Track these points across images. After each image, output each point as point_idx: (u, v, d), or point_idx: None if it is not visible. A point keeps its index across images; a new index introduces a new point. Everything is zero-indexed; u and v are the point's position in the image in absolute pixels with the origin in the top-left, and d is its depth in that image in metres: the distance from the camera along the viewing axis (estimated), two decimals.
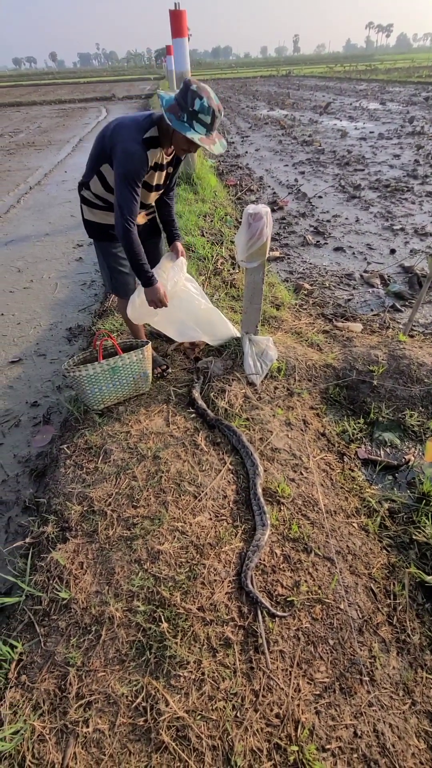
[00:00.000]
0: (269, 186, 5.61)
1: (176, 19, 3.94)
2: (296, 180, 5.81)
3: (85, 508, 1.42)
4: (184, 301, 1.96)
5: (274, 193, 5.31)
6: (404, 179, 5.51)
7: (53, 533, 1.37)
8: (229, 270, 3.10)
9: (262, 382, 1.98)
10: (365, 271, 3.32)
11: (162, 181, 1.68)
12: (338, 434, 1.87)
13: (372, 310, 2.82)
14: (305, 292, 2.98)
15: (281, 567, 1.28)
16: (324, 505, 1.50)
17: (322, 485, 1.59)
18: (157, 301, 1.66)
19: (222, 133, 9.31)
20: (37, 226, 4.69)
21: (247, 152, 7.62)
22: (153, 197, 1.70)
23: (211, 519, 1.39)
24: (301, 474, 1.60)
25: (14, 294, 3.27)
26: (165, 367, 2.02)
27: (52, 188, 6.08)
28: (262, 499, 1.43)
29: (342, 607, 1.21)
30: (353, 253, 3.65)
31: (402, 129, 8.81)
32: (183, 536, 1.32)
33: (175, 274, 1.86)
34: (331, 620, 1.18)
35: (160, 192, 1.74)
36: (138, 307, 1.77)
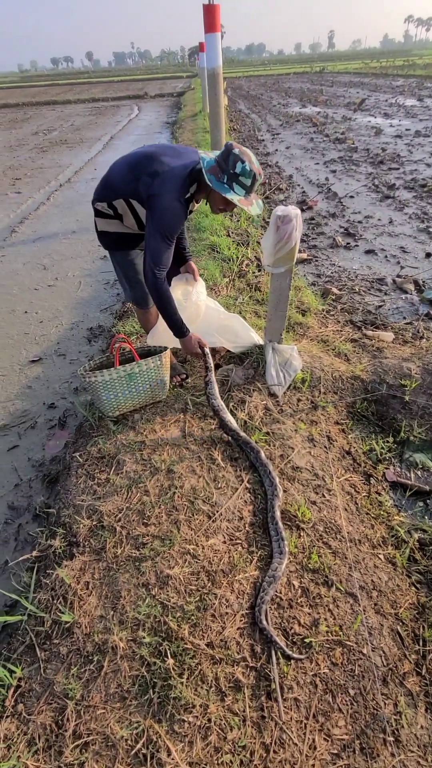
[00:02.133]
0: (299, 185, 5.45)
1: (209, 13, 3.86)
2: (327, 179, 5.62)
3: (94, 523, 1.36)
4: (205, 315, 1.92)
5: (304, 192, 5.15)
6: None
7: (60, 548, 1.32)
8: (254, 272, 2.99)
9: (284, 393, 1.88)
10: (398, 276, 3.14)
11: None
12: (365, 453, 1.75)
13: (404, 318, 2.65)
14: (333, 297, 2.84)
15: (299, 602, 1.18)
16: (348, 532, 1.39)
17: (345, 510, 1.47)
18: (191, 352, 1.70)
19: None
20: (65, 223, 4.71)
21: (277, 150, 7.45)
22: None
23: (225, 542, 1.30)
24: (324, 496, 1.49)
25: (39, 292, 3.27)
26: (185, 376, 1.95)
27: (81, 186, 6.12)
28: (280, 524, 1.33)
29: (365, 651, 1.10)
30: (385, 257, 3.48)
31: None
32: (194, 560, 1.24)
33: (196, 296, 1.84)
34: (352, 666, 1.07)
35: None
36: (161, 333, 1.76)
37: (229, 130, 8.95)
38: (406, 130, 8.36)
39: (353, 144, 7.41)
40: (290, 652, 1.06)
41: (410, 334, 2.43)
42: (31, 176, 6.72)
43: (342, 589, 1.22)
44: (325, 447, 1.70)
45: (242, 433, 1.58)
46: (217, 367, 2.04)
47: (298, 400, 1.87)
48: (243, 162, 1.36)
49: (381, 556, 1.36)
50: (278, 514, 1.36)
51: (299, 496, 1.46)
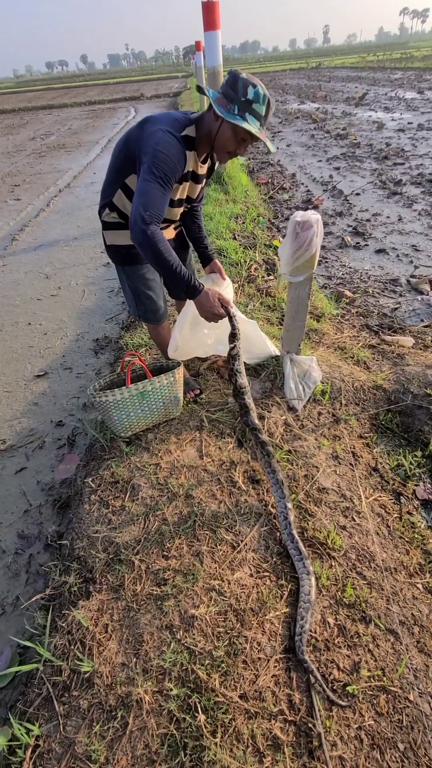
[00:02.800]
0: (302, 183, 5.34)
1: (209, 11, 3.75)
2: (331, 176, 5.51)
3: (110, 556, 1.28)
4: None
5: (308, 190, 5.05)
6: None
7: (76, 584, 1.23)
8: (263, 277, 2.90)
9: (304, 407, 1.78)
10: (412, 276, 3.04)
11: (195, 195, 1.51)
12: (392, 469, 1.65)
13: (422, 321, 2.55)
14: (347, 301, 2.74)
15: (336, 642, 1.08)
16: (382, 560, 1.29)
17: (377, 534, 1.38)
18: (211, 313, 1.31)
19: None
20: (66, 229, 4.63)
21: (278, 148, 7.34)
22: (178, 212, 1.48)
23: (252, 575, 1.21)
24: (353, 520, 1.40)
25: (42, 302, 3.19)
26: (198, 391, 1.85)
27: (81, 190, 6.04)
28: (300, 542, 1.23)
29: (411, 698, 1.01)
30: (397, 256, 3.37)
31: None
32: (220, 598, 1.15)
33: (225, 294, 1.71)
34: (399, 716, 0.98)
35: (187, 206, 1.54)
36: (181, 346, 1.63)
37: None
38: (408, 123, 8.22)
39: (355, 140, 7.29)
40: (333, 696, 0.97)
41: (430, 338, 2.33)
42: (30, 182, 6.65)
43: (381, 625, 1.13)
44: (351, 464, 1.60)
45: (263, 435, 1.41)
46: None
47: (319, 413, 1.77)
48: (255, 86, 1.15)
49: (419, 586, 1.26)
50: (295, 530, 1.26)
51: (327, 521, 1.37)
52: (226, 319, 1.37)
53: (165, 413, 1.70)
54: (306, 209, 4.48)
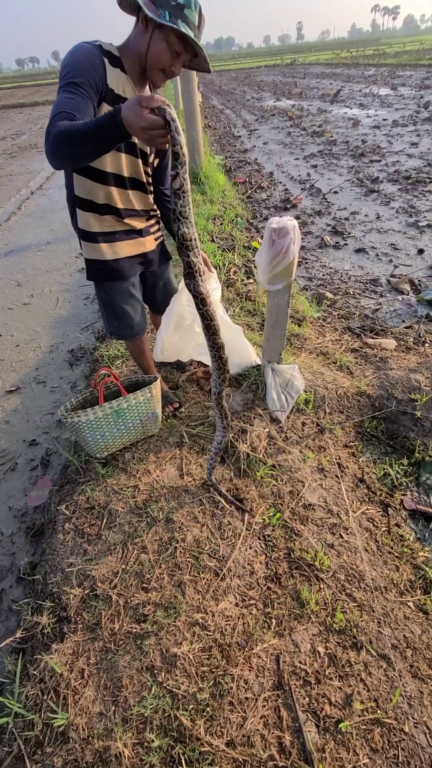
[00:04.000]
0: (280, 182, 5.30)
1: None
2: (309, 174, 5.49)
3: (86, 591, 1.19)
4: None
5: (286, 189, 5.01)
6: (425, 169, 5.15)
7: (49, 625, 1.15)
8: (242, 280, 2.84)
9: (288, 417, 1.73)
10: (392, 276, 3.02)
11: (150, 157, 1.31)
12: (379, 479, 1.61)
13: (404, 321, 2.53)
14: (328, 303, 2.70)
15: (327, 674, 1.03)
16: (372, 579, 1.25)
17: (366, 550, 1.33)
18: (143, 128, 0.82)
19: (229, 125, 8.98)
20: (39, 233, 4.48)
21: (255, 146, 7.30)
22: (134, 165, 1.25)
23: (237, 605, 1.15)
24: (341, 537, 1.35)
25: (13, 311, 3.06)
26: (178, 405, 1.78)
27: (54, 192, 5.87)
28: (228, 415, 1.34)
29: (406, 729, 0.96)
30: (377, 255, 3.35)
31: (417, 115, 8.38)
32: (204, 633, 1.08)
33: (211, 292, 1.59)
34: (395, 750, 0.93)
35: (148, 170, 1.32)
36: (167, 348, 1.53)
37: (203, 127, 8.75)
38: (383, 120, 8.29)
39: (332, 137, 7.30)
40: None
41: (412, 340, 2.31)
42: (1, 184, 6.43)
43: (373, 651, 1.08)
44: (337, 476, 1.55)
45: (208, 306, 1.09)
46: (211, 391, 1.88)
47: (303, 423, 1.72)
48: None
49: (410, 604, 1.22)
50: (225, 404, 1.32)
51: (315, 540, 1.31)
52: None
53: (143, 431, 1.62)
54: (285, 209, 4.43)
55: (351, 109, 9.98)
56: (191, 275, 1.02)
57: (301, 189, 4.97)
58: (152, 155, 1.33)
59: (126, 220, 1.34)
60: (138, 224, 1.38)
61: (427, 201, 4.24)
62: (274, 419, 1.71)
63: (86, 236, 1.32)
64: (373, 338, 2.31)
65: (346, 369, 2.04)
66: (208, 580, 1.20)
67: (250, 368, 1.87)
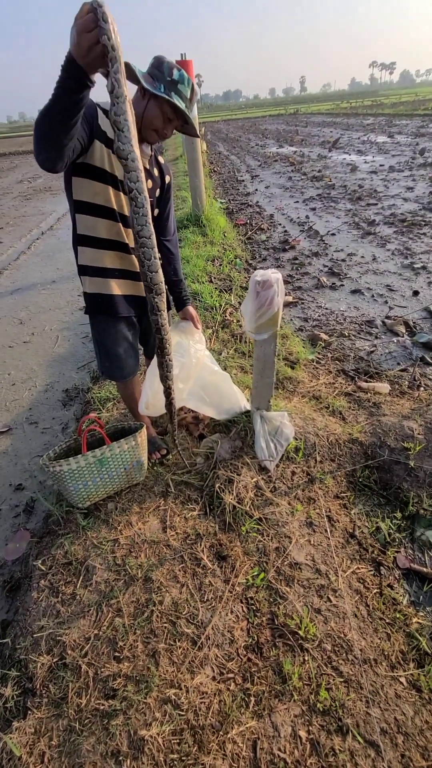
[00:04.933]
0: (280, 224, 5.48)
1: (184, 68, 3.94)
2: (307, 217, 5.68)
3: (55, 660, 1.13)
4: (190, 362, 1.68)
5: (286, 231, 5.17)
6: (420, 213, 5.31)
7: (13, 698, 1.07)
8: (238, 321, 2.87)
9: (277, 466, 1.69)
10: (387, 317, 3.04)
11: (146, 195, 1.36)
12: (371, 534, 1.54)
13: (399, 364, 2.52)
14: (323, 344, 2.71)
15: (308, 764, 0.94)
16: (360, 649, 1.16)
17: (356, 616, 1.25)
18: (81, 33, 0.78)
19: (233, 174, 9.44)
20: (45, 272, 4.63)
21: (257, 190, 7.63)
22: (119, 198, 1.29)
23: (214, 678, 1.07)
24: (329, 600, 1.28)
25: (13, 349, 3.11)
26: (165, 452, 1.75)
27: (63, 232, 6.12)
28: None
29: None
30: (372, 296, 3.40)
31: (413, 161, 8.75)
32: (176, 712, 1.00)
33: (194, 350, 1.62)
34: None
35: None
36: (153, 402, 1.53)
37: (209, 172, 9.21)
38: (380, 165, 8.65)
39: (330, 181, 7.61)
40: None
41: (407, 384, 2.28)
42: (14, 225, 6.73)
43: (360, 737, 0.99)
44: (326, 531, 1.49)
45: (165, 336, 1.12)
46: (201, 437, 1.85)
47: (293, 473, 1.68)
48: (179, 69, 1.17)
49: (402, 680, 1.13)
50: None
51: (300, 605, 1.24)
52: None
53: (127, 479, 1.59)
54: (284, 249, 4.56)
55: (349, 155, 10.47)
56: (131, 191, 0.89)
57: (300, 231, 5.13)
58: (153, 207, 1.40)
59: (125, 259, 1.38)
60: (135, 267, 1.41)
61: (422, 243, 4.33)
62: (263, 468, 1.67)
63: (84, 271, 1.37)
64: (367, 382, 2.30)
65: (339, 414, 2.01)
66: (184, 649, 1.12)
67: (239, 414, 1.85)
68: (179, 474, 1.67)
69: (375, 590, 1.35)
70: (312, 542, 1.44)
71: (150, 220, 0.93)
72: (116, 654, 1.12)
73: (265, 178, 8.67)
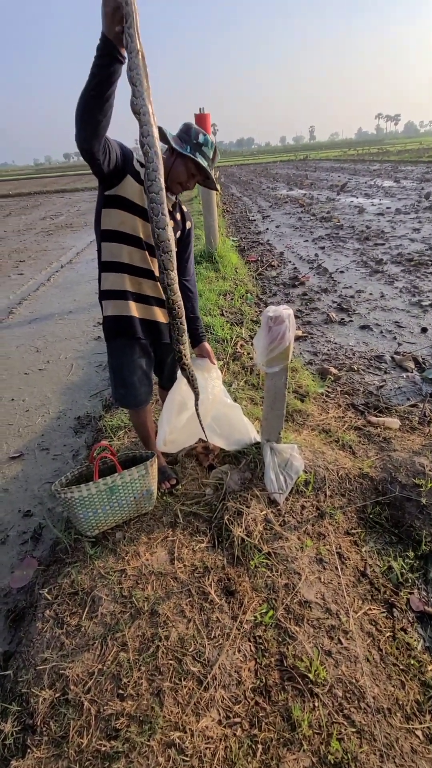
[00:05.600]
0: (290, 261, 5.67)
1: (201, 121, 4.24)
2: (316, 255, 5.87)
3: (57, 695, 1.10)
4: (207, 398, 1.71)
5: (295, 268, 5.34)
6: (427, 253, 5.46)
7: (12, 734, 1.04)
8: (249, 354, 2.93)
9: (286, 499, 1.68)
10: (396, 353, 3.08)
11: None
12: (383, 573, 1.50)
13: (408, 399, 2.53)
14: (332, 378, 2.74)
15: None
16: (373, 697, 1.11)
17: (368, 660, 1.21)
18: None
19: (245, 213, 9.87)
20: (63, 303, 4.80)
21: (267, 229, 7.94)
22: (144, 228, 1.40)
23: (220, 722, 1.03)
24: (340, 642, 1.23)
25: (29, 376, 3.19)
26: (175, 482, 1.76)
27: (81, 266, 6.39)
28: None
29: None
30: (381, 332, 3.45)
31: (419, 204, 9.08)
32: (180, 757, 0.96)
33: (212, 387, 1.67)
34: None
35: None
36: (171, 438, 1.60)
37: (222, 212, 9.65)
38: (387, 208, 8.99)
39: (339, 222, 7.91)
40: None
41: (417, 419, 2.28)
42: (35, 258, 7.06)
43: None
44: (337, 568, 1.46)
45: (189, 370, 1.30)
46: (210, 468, 1.86)
47: (302, 507, 1.66)
48: (204, 134, 1.36)
49: (418, 733, 1.07)
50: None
51: (310, 645, 1.20)
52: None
53: (136, 508, 1.59)
54: (293, 285, 4.69)
55: (357, 198, 10.91)
56: (143, 145, 0.98)
57: (309, 268, 5.29)
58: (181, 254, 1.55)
59: (143, 284, 1.46)
60: (153, 293, 1.49)
61: (429, 282, 4.43)
62: (272, 501, 1.66)
63: (105, 296, 1.46)
64: (376, 416, 2.30)
65: (349, 448, 2.01)
66: (190, 689, 1.09)
67: (249, 446, 1.86)
68: (188, 504, 1.67)
69: (388, 633, 1.30)
70: (322, 580, 1.41)
71: (161, 173, 1.00)
72: (120, 691, 1.09)
73: (276, 218, 9.04)
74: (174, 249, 1.06)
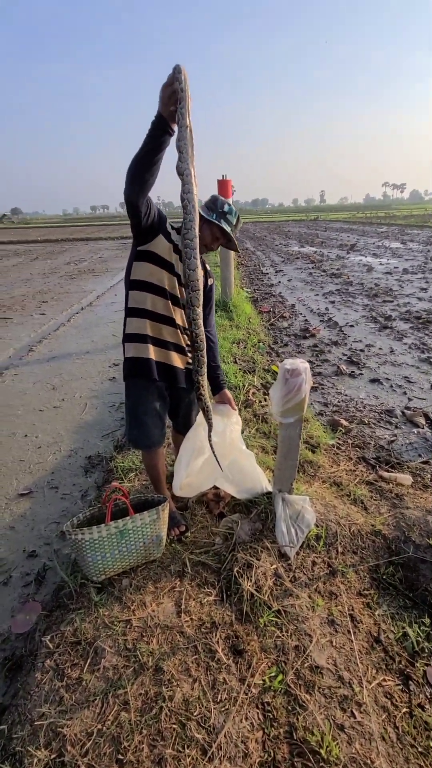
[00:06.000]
0: (301, 313, 5.87)
1: (223, 186, 4.62)
2: (327, 309, 6.08)
3: (53, 755, 1.03)
4: (225, 441, 1.74)
5: (306, 320, 5.52)
6: None
7: None
8: (261, 402, 2.98)
9: (297, 553, 1.64)
10: (407, 408, 3.10)
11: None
12: (398, 640, 1.43)
13: (420, 456, 2.51)
14: (342, 430, 2.75)
15: None
16: None
17: (383, 739, 1.13)
18: (167, 94, 1.10)
19: (258, 267, 10.37)
20: (81, 344, 4.98)
21: (280, 282, 8.30)
22: (170, 280, 1.51)
23: None
24: (353, 715, 1.16)
25: (43, 413, 3.25)
26: (184, 529, 1.74)
27: (101, 309, 6.67)
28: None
29: None
30: (391, 386, 3.50)
31: (425, 265, 9.48)
32: None
33: (230, 432, 1.72)
34: None
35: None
36: (188, 482, 1.64)
37: (237, 264, 10.15)
38: (395, 267, 9.39)
39: (348, 279, 8.25)
40: None
41: (429, 477, 2.26)
42: (57, 300, 7.41)
43: None
44: (349, 632, 1.40)
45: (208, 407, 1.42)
46: (220, 516, 1.84)
47: (313, 563, 1.62)
48: (229, 204, 1.56)
49: None
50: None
51: (321, 717, 1.13)
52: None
53: (145, 554, 1.56)
54: (304, 337, 4.82)
55: (366, 257, 11.44)
56: (183, 200, 1.10)
57: (320, 321, 5.47)
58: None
59: (164, 329, 1.55)
60: (172, 339, 1.59)
61: None
62: (283, 554, 1.62)
63: (128, 339, 1.57)
64: (388, 471, 2.29)
65: (360, 503, 1.98)
66: (193, 758, 1.02)
67: (261, 495, 1.85)
68: (197, 553, 1.64)
69: (404, 709, 1.23)
70: (334, 644, 1.35)
71: (197, 223, 1.14)
72: (119, 756, 1.02)
73: (288, 272, 9.47)
74: (201, 288, 1.20)
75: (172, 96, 1.10)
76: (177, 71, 1.07)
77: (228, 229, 1.56)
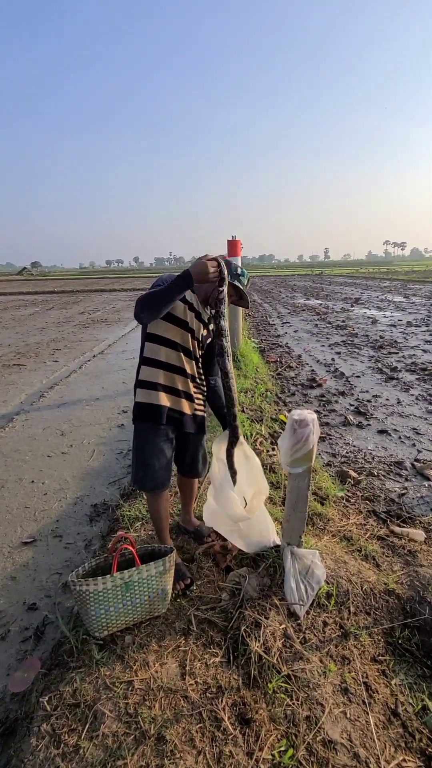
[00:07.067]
0: (307, 364, 5.99)
1: (232, 246, 4.95)
2: (333, 359, 6.20)
3: None
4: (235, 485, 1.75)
5: (312, 370, 5.62)
6: None
7: None
8: (268, 451, 2.98)
9: (307, 612, 1.58)
10: (416, 460, 3.07)
11: (200, 334, 1.71)
12: (417, 714, 1.33)
13: None
14: (351, 482, 2.72)
15: None
16: None
17: None
18: (207, 275, 1.48)
19: (265, 319, 10.73)
20: (91, 390, 5.09)
21: (286, 333, 8.54)
22: (184, 337, 1.64)
23: None
24: None
25: (51, 459, 3.27)
26: (189, 582, 1.70)
27: (112, 357, 6.88)
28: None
29: None
30: (399, 438, 3.48)
31: (429, 318, 9.73)
32: None
33: (252, 469, 1.80)
34: None
35: (200, 348, 1.75)
36: (212, 513, 1.75)
37: (245, 315, 10.51)
38: (399, 320, 9.64)
39: (353, 330, 8.47)
40: None
41: None
42: (70, 347, 7.67)
43: None
44: (364, 703, 1.31)
45: (232, 380, 1.65)
46: (227, 570, 1.80)
47: (324, 623, 1.55)
48: (242, 269, 1.75)
49: None
50: None
51: None
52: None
53: (150, 609, 1.52)
54: (311, 386, 4.89)
55: (370, 310, 11.81)
56: (222, 354, 1.58)
57: (326, 371, 5.56)
58: (201, 346, 1.79)
59: (176, 378, 1.67)
60: (183, 387, 1.69)
61: None
62: (292, 613, 1.56)
63: (140, 384, 1.67)
64: (400, 526, 2.23)
65: (372, 560, 1.92)
66: None
67: (269, 549, 1.81)
68: (203, 610, 1.58)
69: None
70: (348, 715, 1.26)
71: (228, 330, 1.54)
72: None
73: (294, 323, 9.77)
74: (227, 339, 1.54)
75: (206, 279, 1.47)
76: (221, 273, 1.48)
77: (240, 286, 1.72)
